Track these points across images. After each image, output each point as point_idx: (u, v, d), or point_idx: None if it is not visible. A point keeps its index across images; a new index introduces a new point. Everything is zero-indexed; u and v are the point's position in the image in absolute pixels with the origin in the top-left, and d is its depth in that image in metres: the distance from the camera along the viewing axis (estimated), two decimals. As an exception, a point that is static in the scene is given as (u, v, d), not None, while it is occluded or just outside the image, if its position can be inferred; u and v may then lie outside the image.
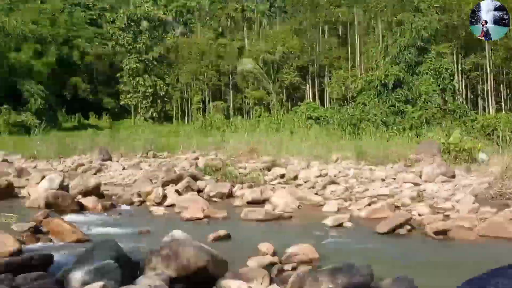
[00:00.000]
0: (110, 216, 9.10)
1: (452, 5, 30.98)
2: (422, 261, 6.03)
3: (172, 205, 9.97)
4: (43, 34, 37.57)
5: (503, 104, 33.27)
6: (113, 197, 11.25)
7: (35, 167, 16.23)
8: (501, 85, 33.68)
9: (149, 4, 40.15)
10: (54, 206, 8.96)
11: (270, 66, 38.73)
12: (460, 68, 33.10)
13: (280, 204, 9.41)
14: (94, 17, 50.52)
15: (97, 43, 45.98)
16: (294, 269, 5.11)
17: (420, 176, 12.29)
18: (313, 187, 11.66)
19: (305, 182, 12.31)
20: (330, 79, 38.45)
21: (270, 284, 4.42)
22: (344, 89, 35.81)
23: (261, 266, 5.02)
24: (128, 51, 39.69)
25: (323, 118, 29.23)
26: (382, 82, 28.77)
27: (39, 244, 6.58)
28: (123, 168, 15.44)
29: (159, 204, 10.09)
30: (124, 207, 10.12)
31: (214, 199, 10.77)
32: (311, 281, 3.89)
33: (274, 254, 5.70)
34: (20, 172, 13.88)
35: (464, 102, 32.54)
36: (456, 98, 30.50)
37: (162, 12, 42.05)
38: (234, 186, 11.61)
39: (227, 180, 12.18)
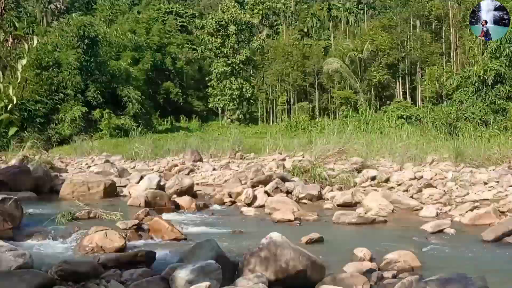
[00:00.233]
0: (203, 215, 9.38)
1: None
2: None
3: (262, 206, 10.04)
4: (139, 42, 40.15)
5: None
6: (205, 196, 11.64)
7: (134, 167, 17.27)
8: None
9: (236, 9, 41.06)
10: (153, 205, 9.42)
11: (357, 64, 37.78)
12: None
13: (373, 207, 9.07)
14: (185, 24, 52.92)
15: (187, 49, 48.13)
16: (394, 277, 4.86)
17: (528, 180, 11.16)
18: (407, 191, 11.11)
19: (399, 185, 11.75)
20: (422, 76, 36.60)
21: (370, 291, 4.24)
22: (438, 86, 33.86)
23: (359, 272, 4.84)
24: (216, 55, 41.00)
25: (415, 118, 27.84)
26: (481, 77, 26.72)
27: (141, 241, 6.94)
28: (213, 169, 15.88)
29: (249, 204, 10.22)
30: (216, 207, 10.39)
31: (303, 201, 10.68)
32: (418, 291, 3.65)
33: (371, 259, 5.48)
34: (121, 172, 14.86)
35: None
36: None
37: (248, 16, 42.83)
38: (323, 188, 11.43)
39: (315, 182, 12.01)
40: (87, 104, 29.81)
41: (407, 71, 38.33)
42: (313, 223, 8.47)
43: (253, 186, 11.13)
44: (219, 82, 40.54)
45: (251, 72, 44.25)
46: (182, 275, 3.82)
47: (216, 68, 40.42)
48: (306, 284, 4.14)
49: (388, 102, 38.29)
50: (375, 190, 11.03)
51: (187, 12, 54.13)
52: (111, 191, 11.50)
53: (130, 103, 31.42)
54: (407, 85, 38.90)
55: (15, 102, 2.44)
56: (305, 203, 10.44)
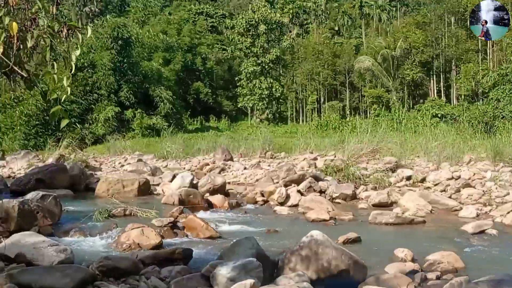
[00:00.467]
0: (236, 214, 9.35)
1: None
2: None
3: (295, 205, 9.95)
4: (170, 43, 40.61)
5: None
6: (237, 195, 11.62)
7: (166, 166, 17.46)
8: None
9: (266, 8, 40.98)
10: (186, 203, 9.45)
11: (389, 62, 37.08)
12: None
13: (411, 207, 8.85)
14: (215, 24, 53.25)
15: (217, 49, 48.39)
16: (438, 278, 4.70)
17: None
18: (444, 191, 10.78)
19: (435, 185, 11.43)
20: (457, 73, 35.60)
21: (413, 293, 4.10)
22: (474, 84, 32.86)
23: (402, 273, 4.69)
24: (246, 55, 41.03)
25: (450, 116, 27.11)
26: (520, 75, 25.81)
27: (177, 238, 6.97)
28: (245, 168, 15.86)
29: (282, 203, 10.14)
30: (249, 205, 10.35)
31: (337, 200, 10.52)
32: (466, 293, 3.50)
33: (413, 260, 5.31)
34: (154, 171, 15.04)
35: None
36: None
37: (278, 15, 42.67)
38: (357, 188, 11.23)
39: (349, 181, 11.82)
40: (120, 104, 30.36)
41: (442, 68, 37.38)
42: (349, 223, 8.32)
43: (285, 185, 11.04)
44: (248, 81, 40.58)
45: (281, 72, 44.09)
46: (224, 272, 3.79)
47: (245, 67, 40.46)
48: (348, 284, 4.04)
49: (421, 100, 37.44)
50: (411, 190, 10.76)
51: (217, 13, 54.45)
52: (145, 189, 11.63)
53: (162, 103, 31.82)
54: (441, 83, 37.93)
55: (69, 93, 2.46)
56: (339, 203, 10.29)
